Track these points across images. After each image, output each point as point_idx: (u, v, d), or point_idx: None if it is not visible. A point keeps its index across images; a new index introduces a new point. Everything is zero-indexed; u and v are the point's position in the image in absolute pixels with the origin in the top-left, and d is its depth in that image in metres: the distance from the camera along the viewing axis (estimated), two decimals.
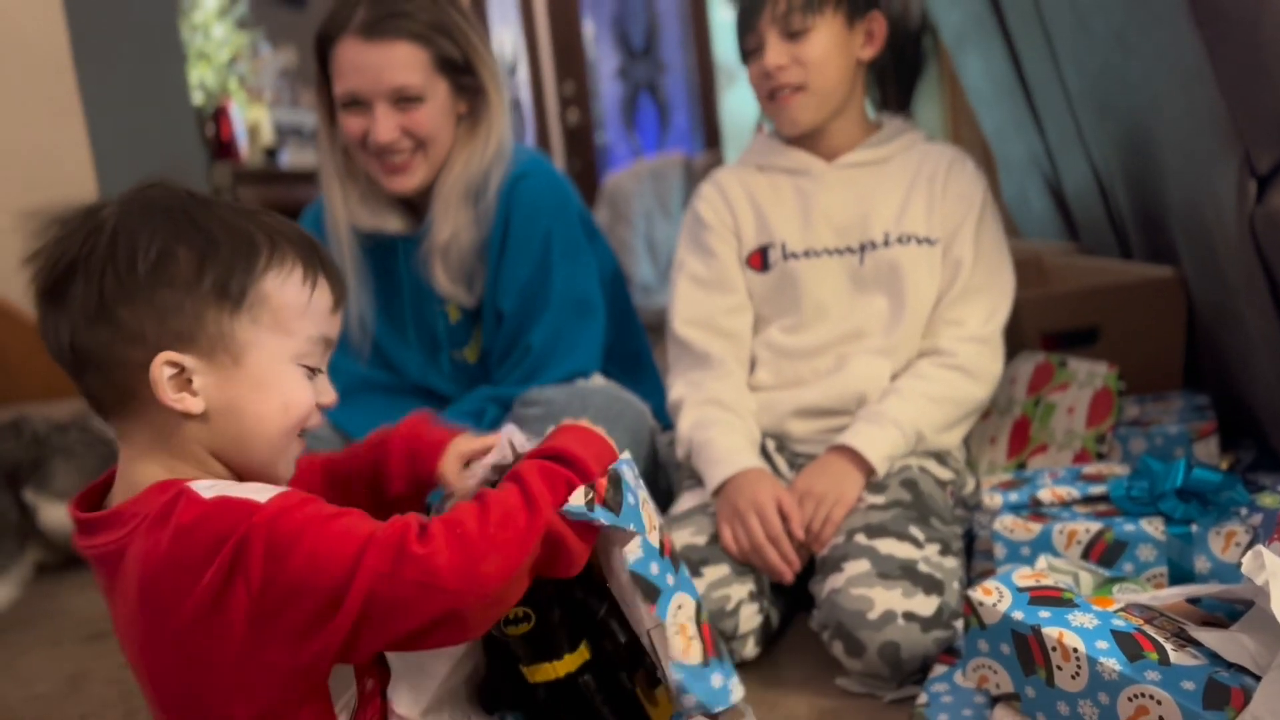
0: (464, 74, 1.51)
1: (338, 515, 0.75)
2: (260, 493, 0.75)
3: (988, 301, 1.40)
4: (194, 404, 0.76)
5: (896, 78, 4.10)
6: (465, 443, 0.98)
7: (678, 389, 1.44)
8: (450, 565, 0.73)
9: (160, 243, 0.75)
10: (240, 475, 0.81)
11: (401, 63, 1.45)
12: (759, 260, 1.46)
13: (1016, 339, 1.65)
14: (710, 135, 5.62)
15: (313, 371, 0.83)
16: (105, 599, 0.80)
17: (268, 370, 0.79)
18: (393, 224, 1.57)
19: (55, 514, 1.95)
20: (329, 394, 0.85)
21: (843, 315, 1.42)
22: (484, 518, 0.76)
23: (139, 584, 0.74)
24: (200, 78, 3.76)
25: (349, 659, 0.76)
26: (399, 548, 0.73)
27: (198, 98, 3.64)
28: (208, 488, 0.75)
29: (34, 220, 0.78)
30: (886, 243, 1.41)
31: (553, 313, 1.54)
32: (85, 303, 0.75)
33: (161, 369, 0.75)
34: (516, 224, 1.54)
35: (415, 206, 1.59)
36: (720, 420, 1.36)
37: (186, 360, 0.76)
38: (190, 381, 0.76)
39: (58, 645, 1.55)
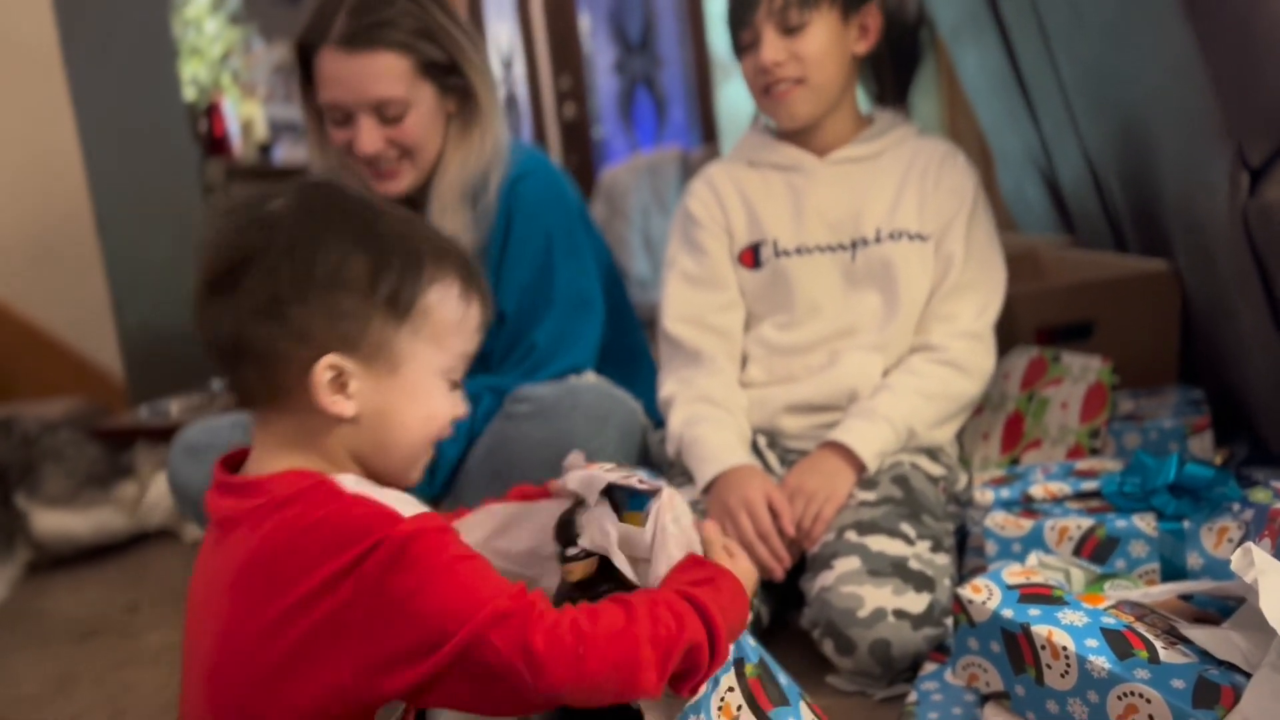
0: (450, 74, 1.48)
1: (470, 559, 0.74)
2: (403, 504, 0.75)
3: (979, 297, 1.39)
4: (347, 407, 0.77)
5: (893, 72, 4.08)
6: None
7: (668, 386, 1.44)
8: (559, 678, 0.71)
9: (340, 248, 0.76)
10: (375, 477, 0.82)
11: (383, 74, 1.41)
12: (751, 258, 1.45)
13: (1011, 334, 1.64)
14: (707, 129, 5.61)
15: (455, 385, 0.84)
16: (199, 563, 0.80)
17: (420, 381, 0.80)
18: None
19: (47, 521, 1.95)
20: (462, 406, 0.86)
21: (835, 312, 1.41)
22: (616, 646, 0.73)
23: (247, 560, 0.74)
24: (192, 73, 3.75)
25: (406, 701, 0.74)
26: (521, 631, 0.70)
27: (190, 93, 3.63)
28: (353, 483, 0.76)
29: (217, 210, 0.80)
30: (878, 239, 1.40)
31: (556, 311, 1.53)
32: (257, 296, 0.75)
33: (324, 371, 0.76)
34: (518, 225, 1.52)
35: (412, 201, 1.57)
36: (711, 417, 1.36)
37: (347, 364, 0.77)
38: (346, 385, 0.77)
39: (46, 646, 1.54)
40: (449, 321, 0.81)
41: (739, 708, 0.85)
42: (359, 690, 0.71)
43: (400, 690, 0.71)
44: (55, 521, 1.96)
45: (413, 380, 0.80)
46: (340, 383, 0.77)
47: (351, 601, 0.70)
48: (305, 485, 0.75)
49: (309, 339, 0.76)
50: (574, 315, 1.54)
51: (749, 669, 0.88)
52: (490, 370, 1.59)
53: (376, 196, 0.83)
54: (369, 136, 1.43)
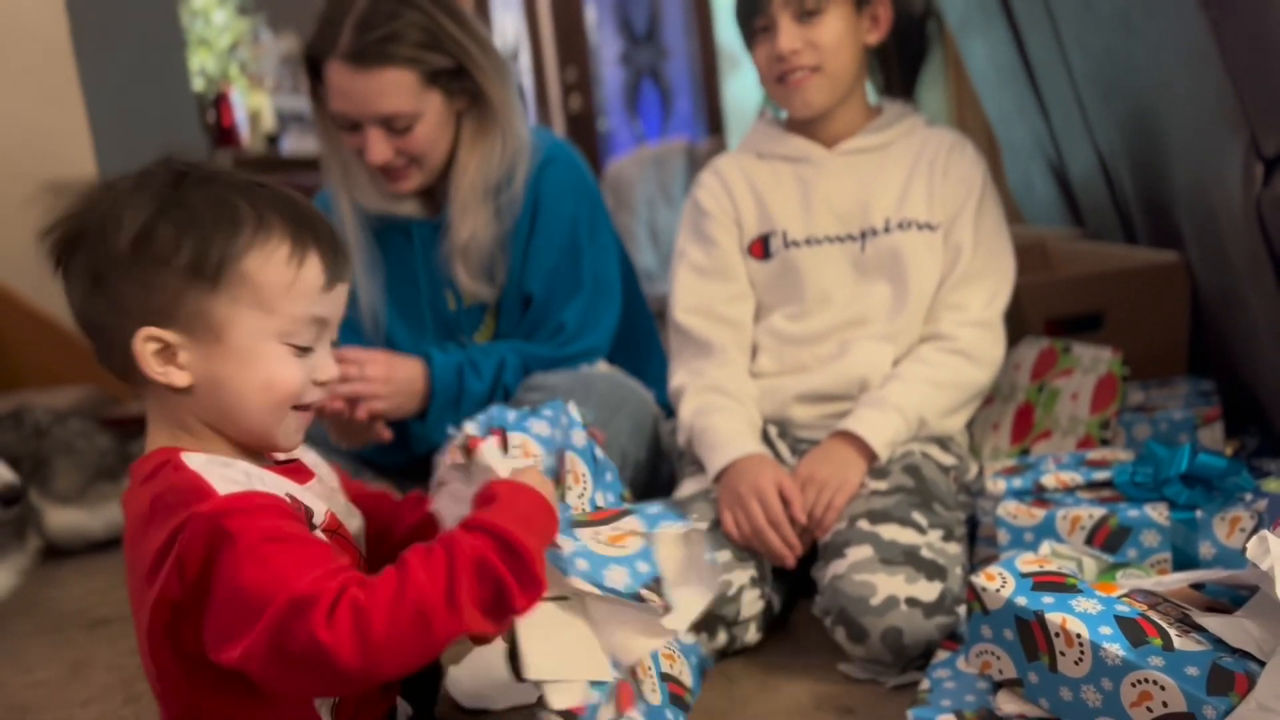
0: (458, 78, 1.47)
1: (281, 540, 0.73)
2: (228, 482, 0.76)
3: (989, 286, 1.39)
4: (179, 378, 0.78)
5: (900, 62, 4.07)
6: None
7: (679, 377, 1.44)
8: (352, 661, 0.70)
9: (143, 217, 0.77)
10: (239, 444, 0.83)
11: (390, 90, 1.41)
12: (760, 249, 1.46)
13: (1021, 325, 1.64)
14: (713, 121, 5.59)
15: (302, 350, 0.82)
16: None
17: (250, 348, 0.79)
18: (406, 208, 1.56)
19: (60, 518, 1.96)
20: (326, 371, 0.84)
21: (845, 302, 1.41)
22: (397, 609, 0.70)
23: (129, 533, 0.79)
24: (201, 64, 3.75)
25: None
26: (307, 623, 0.69)
27: (198, 84, 3.63)
28: (200, 463, 0.77)
29: (52, 194, 0.80)
30: (887, 229, 1.40)
31: (585, 293, 1.55)
32: (84, 274, 0.78)
33: (144, 344, 0.77)
34: (545, 210, 1.54)
35: (426, 190, 1.57)
36: (721, 407, 1.36)
37: (169, 336, 0.77)
38: (175, 356, 0.78)
39: (59, 632, 1.55)
40: (275, 284, 0.79)
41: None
42: (208, 658, 0.74)
43: (233, 666, 0.72)
44: (67, 519, 1.96)
45: (241, 347, 0.79)
46: (169, 354, 0.78)
47: (175, 577, 0.73)
48: (156, 463, 0.78)
49: (129, 313, 0.77)
50: (598, 298, 1.55)
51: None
52: None
53: (214, 167, 0.83)
54: (377, 148, 1.44)
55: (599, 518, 0.90)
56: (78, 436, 2.06)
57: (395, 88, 1.41)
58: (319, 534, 0.82)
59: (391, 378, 1.40)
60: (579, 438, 0.97)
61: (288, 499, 0.78)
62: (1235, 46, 1.08)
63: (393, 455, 1.57)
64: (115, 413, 2.46)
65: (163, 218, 0.77)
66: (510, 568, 0.73)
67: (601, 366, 1.55)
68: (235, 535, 0.71)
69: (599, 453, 0.99)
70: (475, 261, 1.53)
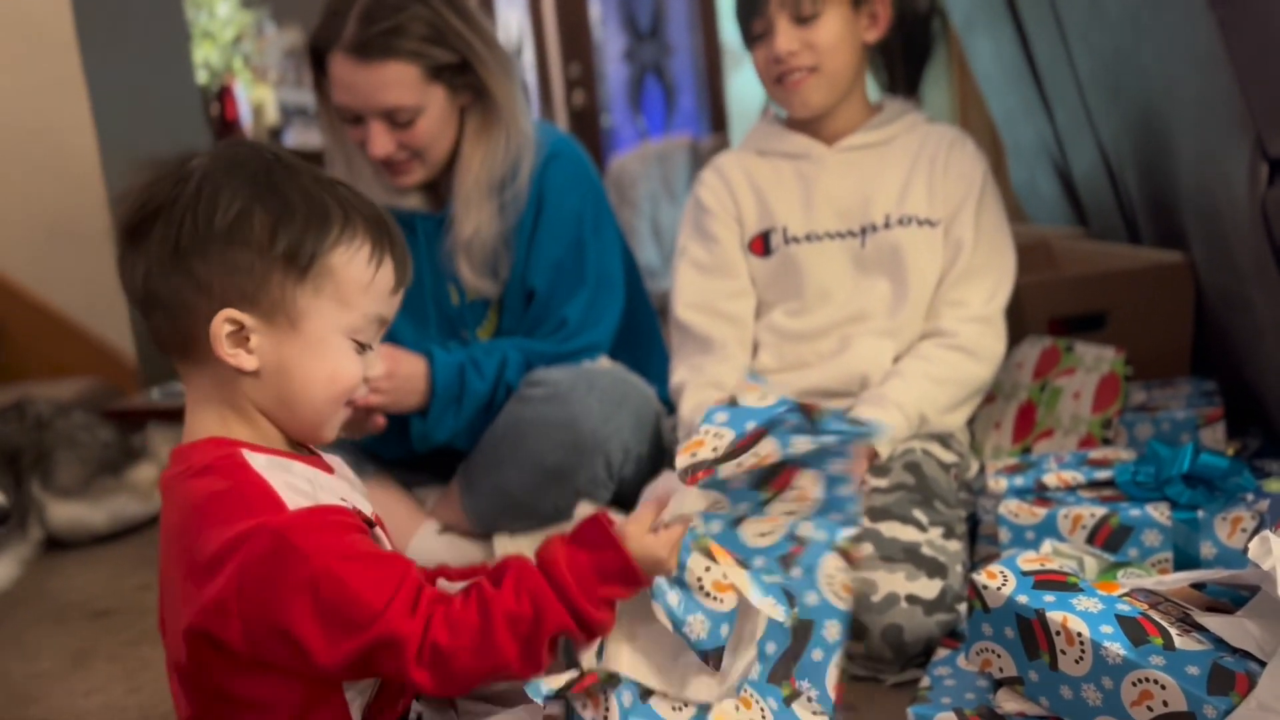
0: (462, 74, 1.47)
1: (356, 559, 0.75)
2: (295, 493, 0.77)
3: (989, 281, 1.39)
4: (248, 361, 0.79)
5: (905, 61, 4.07)
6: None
7: (680, 373, 1.44)
8: (429, 691, 0.76)
9: (240, 202, 0.78)
10: (288, 433, 0.84)
11: (393, 83, 1.41)
12: (761, 245, 1.46)
13: (1023, 324, 1.64)
14: (717, 118, 5.59)
15: (363, 347, 0.85)
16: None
17: (321, 339, 0.81)
18: (410, 202, 1.56)
19: (62, 512, 1.96)
20: (376, 368, 0.87)
21: (846, 298, 1.41)
22: (479, 659, 0.76)
23: (172, 526, 0.79)
24: (205, 57, 3.74)
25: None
26: (398, 664, 0.74)
27: (201, 77, 3.63)
28: (264, 466, 0.78)
29: (131, 162, 0.81)
30: (888, 225, 1.40)
31: (588, 288, 1.55)
32: (162, 247, 0.77)
33: (222, 324, 0.78)
34: (549, 204, 1.53)
35: (430, 185, 1.57)
36: None
37: (246, 319, 0.78)
38: (248, 339, 0.79)
39: (61, 623, 1.56)
40: (355, 282, 0.81)
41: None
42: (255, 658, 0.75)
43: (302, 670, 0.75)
44: (70, 513, 1.96)
45: (314, 338, 0.80)
46: (242, 336, 0.79)
47: (234, 583, 0.73)
48: (216, 456, 0.78)
49: (209, 291, 0.78)
50: (601, 293, 1.55)
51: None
52: None
53: (294, 157, 0.84)
54: (380, 141, 1.44)
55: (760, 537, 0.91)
56: (80, 429, 2.06)
57: (398, 81, 1.41)
58: (378, 530, 0.84)
59: (394, 373, 1.40)
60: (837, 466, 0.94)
61: (346, 505, 0.80)
62: (1243, 47, 1.08)
63: (391, 447, 1.57)
64: (118, 405, 2.46)
65: (259, 204, 0.78)
66: (584, 638, 0.80)
67: (604, 362, 1.55)
68: (309, 555, 0.73)
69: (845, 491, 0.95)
70: (479, 257, 1.53)
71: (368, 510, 0.85)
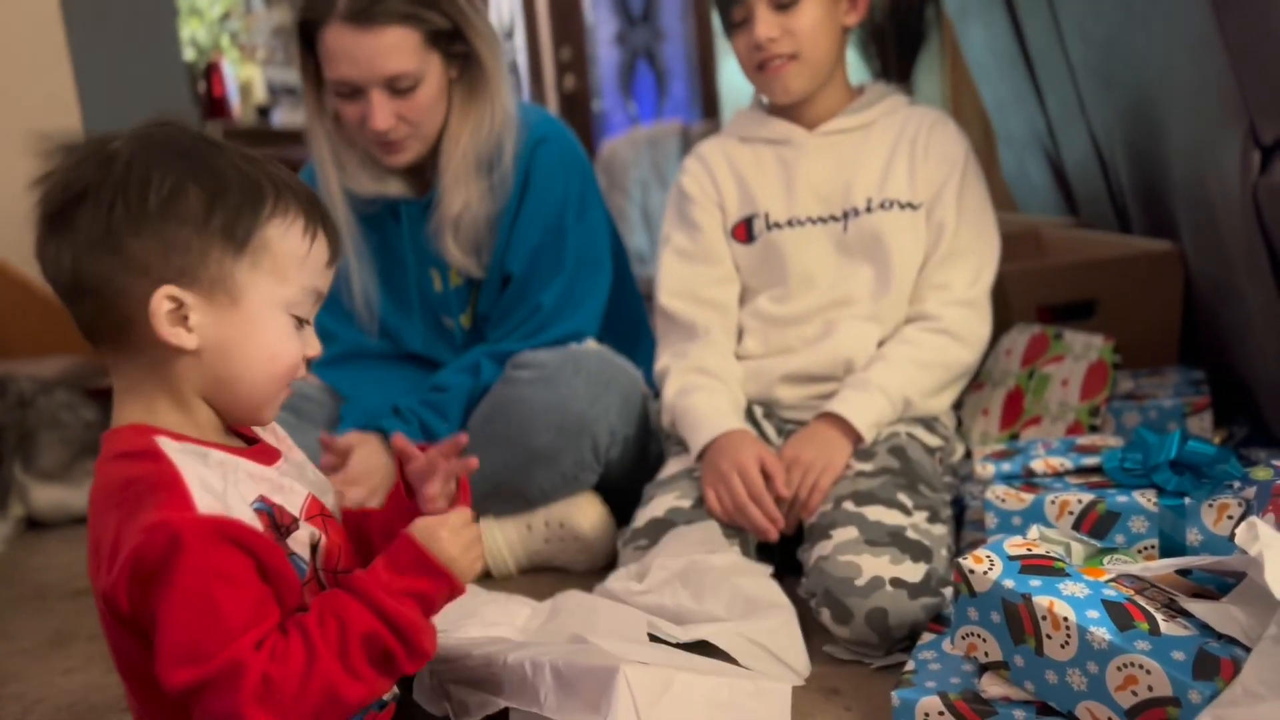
0: (454, 42, 1.46)
1: (230, 581, 0.73)
2: (206, 491, 0.75)
3: (973, 264, 1.38)
4: (188, 340, 0.78)
5: (898, 48, 4.06)
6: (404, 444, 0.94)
7: (663, 359, 1.44)
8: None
9: (173, 179, 0.76)
10: (226, 416, 0.83)
11: (394, 49, 1.39)
12: (743, 232, 1.45)
13: (1012, 311, 1.64)
14: (708, 104, 5.57)
15: (301, 322, 0.84)
16: None
17: (261, 314, 0.80)
18: (394, 188, 1.54)
19: (44, 495, 1.94)
20: (315, 346, 0.86)
21: (830, 284, 1.41)
22: (306, 684, 0.73)
23: (92, 506, 0.78)
24: (192, 34, 3.71)
25: None
26: (228, 701, 0.71)
27: (188, 54, 3.60)
28: (177, 454, 0.76)
29: (41, 144, 0.78)
30: (869, 209, 1.39)
31: (566, 274, 1.54)
32: (92, 230, 0.75)
33: (161, 302, 0.76)
34: (534, 188, 1.52)
35: (413, 170, 1.56)
36: (704, 386, 1.36)
37: (186, 296, 0.77)
38: (186, 318, 0.77)
39: (41, 600, 1.54)
40: (292, 255, 0.81)
41: None
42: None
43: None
44: (52, 496, 1.95)
45: (254, 313, 0.80)
46: (180, 315, 0.77)
47: (125, 575, 0.72)
48: (136, 445, 0.77)
49: (145, 271, 0.76)
50: (582, 277, 1.54)
51: None
52: (489, 329, 1.59)
53: (216, 136, 0.85)
54: (382, 113, 1.42)
55: None
56: (62, 409, 2.04)
57: (399, 47, 1.39)
58: (300, 531, 0.81)
59: (357, 470, 1.42)
60: None
61: (261, 509, 0.78)
62: (1238, 33, 1.08)
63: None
64: (101, 383, 2.44)
65: (193, 180, 0.77)
66: (399, 645, 0.77)
67: (590, 345, 1.54)
68: (190, 568, 0.71)
69: None
70: (466, 236, 1.51)
71: (296, 502, 0.82)
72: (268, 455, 0.85)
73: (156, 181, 0.76)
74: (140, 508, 0.73)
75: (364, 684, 0.75)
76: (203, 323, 0.78)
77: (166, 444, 0.76)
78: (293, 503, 0.82)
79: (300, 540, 0.81)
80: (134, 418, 0.80)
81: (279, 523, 0.80)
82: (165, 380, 0.80)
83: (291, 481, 0.84)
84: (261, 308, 0.80)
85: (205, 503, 0.74)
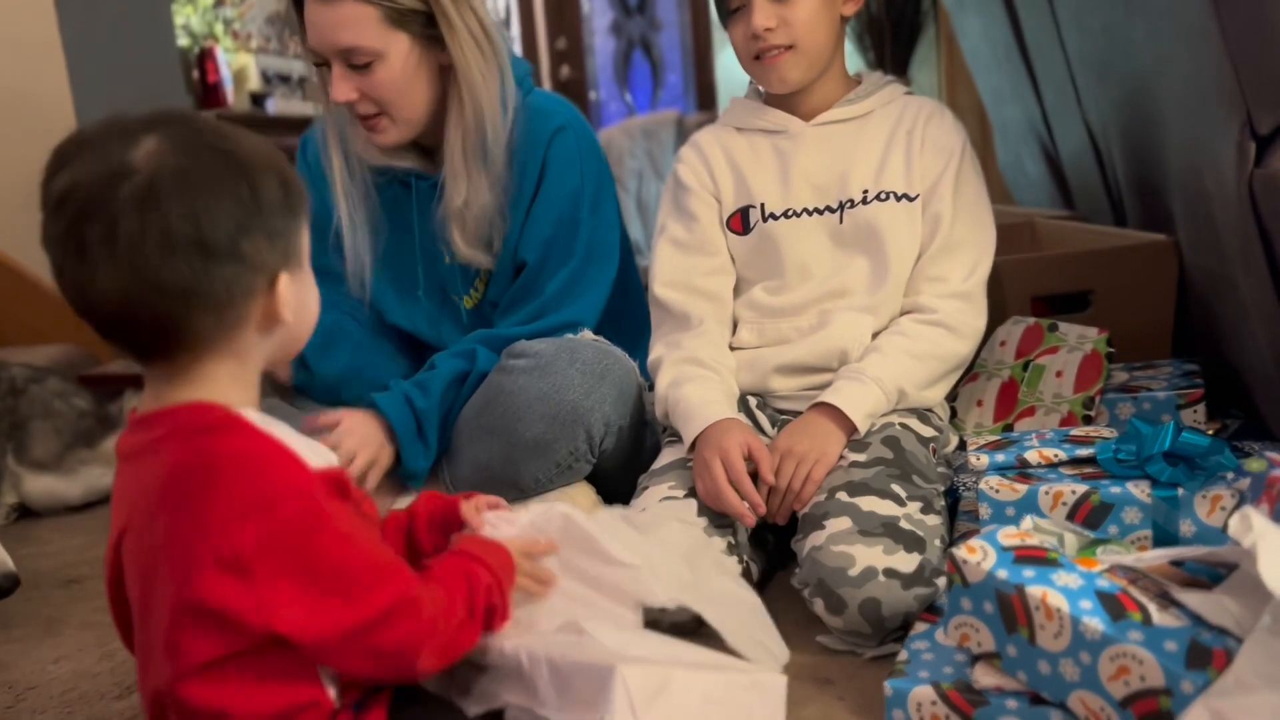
0: (431, 25, 1.44)
1: (357, 531, 0.78)
2: (306, 449, 0.79)
3: (969, 256, 1.38)
4: (290, 315, 0.81)
5: (893, 40, 4.05)
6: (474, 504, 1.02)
7: (657, 350, 1.44)
8: (430, 668, 0.83)
9: (253, 173, 0.77)
10: (267, 372, 0.87)
11: (348, 22, 1.38)
12: (739, 222, 1.45)
13: (1007, 302, 1.64)
14: (704, 95, 5.56)
15: None
16: (116, 501, 0.82)
17: (309, 271, 0.85)
18: (405, 161, 1.54)
19: (36, 485, 1.94)
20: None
21: (825, 275, 1.41)
22: (451, 622, 0.82)
23: (170, 486, 0.75)
24: (185, 20, 3.69)
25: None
26: (411, 633, 0.79)
27: (182, 41, 3.58)
28: (260, 420, 0.79)
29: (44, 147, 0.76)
30: (865, 200, 1.39)
31: (574, 264, 1.53)
32: (203, 243, 0.73)
33: (286, 289, 0.79)
34: (551, 177, 1.52)
35: (427, 149, 1.55)
36: (696, 376, 1.36)
37: (287, 275, 0.80)
38: (280, 294, 0.80)
39: (34, 589, 1.54)
40: (308, 210, 0.85)
41: None
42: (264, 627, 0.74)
43: (289, 636, 0.75)
44: (45, 486, 1.94)
45: (307, 270, 0.84)
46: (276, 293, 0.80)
47: (254, 541, 0.73)
48: (215, 417, 0.77)
49: (263, 267, 0.77)
50: (587, 268, 1.54)
51: None
52: (485, 316, 1.58)
53: (219, 121, 0.86)
54: (340, 86, 1.42)
55: None
56: (55, 397, 2.03)
57: (354, 19, 1.39)
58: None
59: (352, 430, 1.43)
60: None
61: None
62: (1235, 23, 1.07)
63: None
64: (94, 370, 2.43)
65: (256, 168, 0.77)
66: (502, 600, 0.89)
67: (586, 335, 1.54)
68: (336, 516, 0.76)
69: None
70: (473, 228, 1.50)
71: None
72: None
73: (244, 179, 0.76)
74: (257, 477, 0.74)
75: (476, 634, 0.85)
76: (288, 293, 0.80)
77: (245, 411, 0.79)
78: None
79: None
80: (198, 398, 0.79)
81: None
82: (242, 362, 0.81)
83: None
84: (308, 264, 0.84)
85: (314, 462, 0.78)
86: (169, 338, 0.76)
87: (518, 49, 5.54)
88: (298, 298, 0.81)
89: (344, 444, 1.41)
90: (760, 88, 1.49)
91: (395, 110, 1.46)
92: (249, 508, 0.73)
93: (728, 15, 1.39)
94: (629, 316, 1.68)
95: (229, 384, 0.80)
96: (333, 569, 0.75)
